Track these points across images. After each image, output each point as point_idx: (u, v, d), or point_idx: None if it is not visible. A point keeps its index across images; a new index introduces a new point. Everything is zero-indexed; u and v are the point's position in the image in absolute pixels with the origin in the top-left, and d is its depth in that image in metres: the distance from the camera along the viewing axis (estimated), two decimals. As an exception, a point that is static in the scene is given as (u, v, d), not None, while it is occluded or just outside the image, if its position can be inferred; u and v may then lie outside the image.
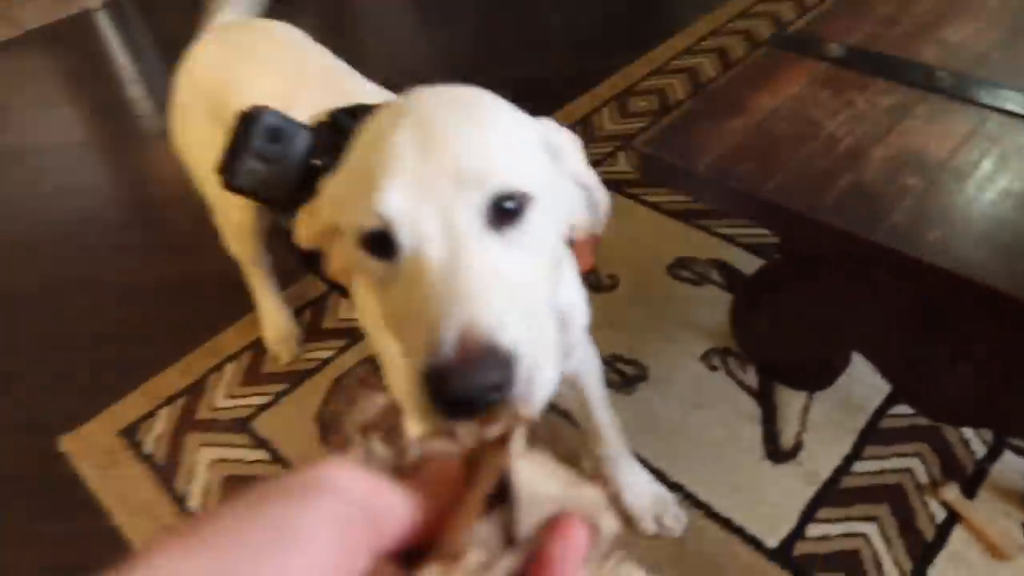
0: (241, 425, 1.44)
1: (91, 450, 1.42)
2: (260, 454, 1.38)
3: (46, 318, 1.77)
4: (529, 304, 0.52)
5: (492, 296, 0.49)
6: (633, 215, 1.74)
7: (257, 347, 1.58)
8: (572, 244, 0.71)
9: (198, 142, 1.18)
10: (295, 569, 0.26)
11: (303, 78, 1.04)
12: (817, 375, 1.35)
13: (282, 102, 0.82)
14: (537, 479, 0.30)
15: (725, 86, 1.27)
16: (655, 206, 1.76)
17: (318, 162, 0.77)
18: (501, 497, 0.30)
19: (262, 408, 1.46)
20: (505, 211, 0.54)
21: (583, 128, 2.02)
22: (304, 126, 0.80)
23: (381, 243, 0.54)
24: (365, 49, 2.64)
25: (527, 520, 0.29)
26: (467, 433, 0.32)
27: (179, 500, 1.32)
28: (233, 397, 1.49)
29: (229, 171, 0.77)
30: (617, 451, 1.17)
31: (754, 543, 1.18)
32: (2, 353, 1.70)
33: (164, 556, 0.25)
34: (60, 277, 1.86)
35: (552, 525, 0.30)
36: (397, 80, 0.92)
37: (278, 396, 1.48)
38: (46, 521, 1.35)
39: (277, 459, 1.37)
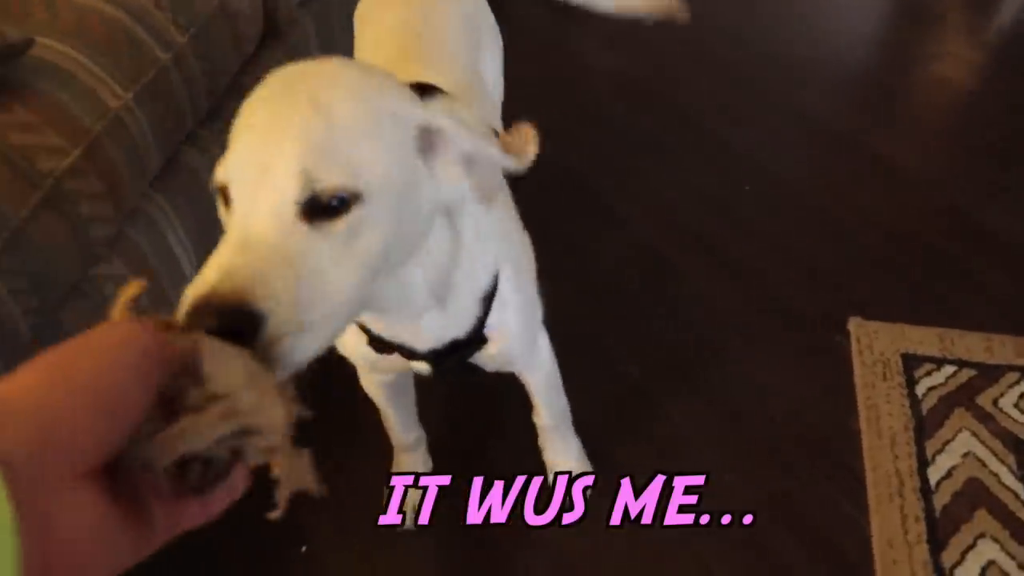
0: (1014, 444, 1.29)
1: (870, 347, 1.43)
2: (1017, 485, 1.25)
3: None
4: (318, 289, 0.54)
5: (267, 268, 0.52)
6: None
7: None
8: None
9: None
10: (106, 387, 0.35)
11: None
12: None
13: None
14: (222, 363, 0.41)
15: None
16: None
17: None
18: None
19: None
20: (325, 206, 0.55)
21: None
22: None
23: (227, 197, 0.58)
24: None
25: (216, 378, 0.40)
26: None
27: (920, 458, 1.27)
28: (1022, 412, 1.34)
29: None
30: (552, 425, 1.23)
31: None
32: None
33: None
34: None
35: None
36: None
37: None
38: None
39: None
